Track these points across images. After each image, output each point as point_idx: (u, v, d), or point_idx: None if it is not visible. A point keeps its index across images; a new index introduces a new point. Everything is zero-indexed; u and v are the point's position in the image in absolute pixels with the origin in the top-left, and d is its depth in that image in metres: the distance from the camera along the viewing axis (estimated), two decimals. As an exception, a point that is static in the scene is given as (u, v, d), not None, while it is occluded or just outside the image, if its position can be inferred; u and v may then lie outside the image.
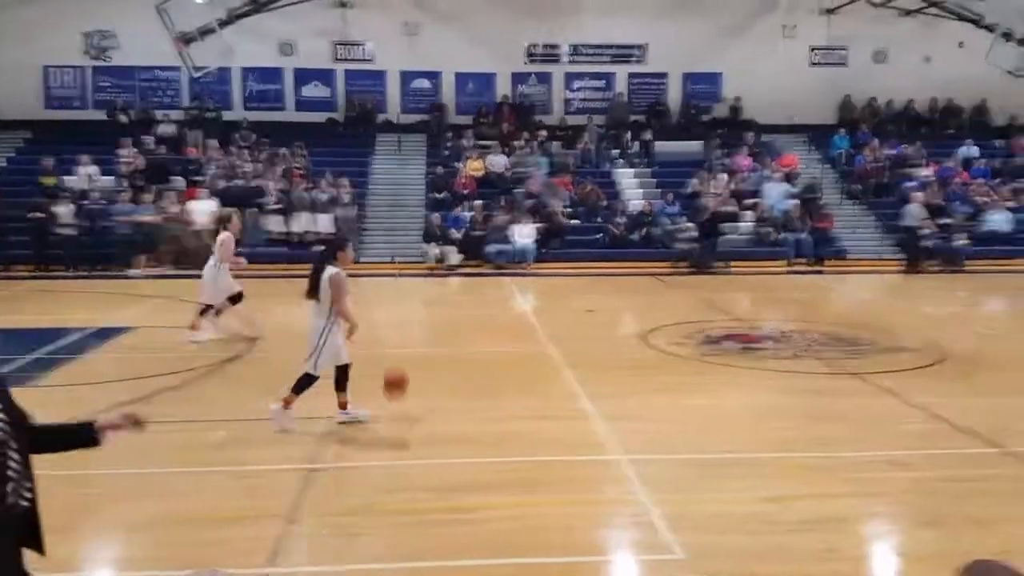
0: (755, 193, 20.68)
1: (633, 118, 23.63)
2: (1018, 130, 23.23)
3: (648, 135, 22.59)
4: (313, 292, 7.09)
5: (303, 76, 23.08)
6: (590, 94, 24.00)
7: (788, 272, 18.64)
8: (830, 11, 23.26)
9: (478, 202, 19.61)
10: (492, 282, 17.33)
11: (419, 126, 22.94)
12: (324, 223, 18.47)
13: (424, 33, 22.90)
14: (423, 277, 17.84)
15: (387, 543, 5.00)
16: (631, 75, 23.90)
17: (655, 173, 21.86)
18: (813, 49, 23.82)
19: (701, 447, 6.63)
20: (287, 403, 6.99)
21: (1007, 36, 19.91)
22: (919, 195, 19.77)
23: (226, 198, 18.25)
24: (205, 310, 10.61)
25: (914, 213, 19.08)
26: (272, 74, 23.00)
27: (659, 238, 19.41)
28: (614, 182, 21.63)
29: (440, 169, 21.02)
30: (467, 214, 19.43)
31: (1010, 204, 20.23)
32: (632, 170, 22.01)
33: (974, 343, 11.10)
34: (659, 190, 20.93)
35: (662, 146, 22.43)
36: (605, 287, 16.38)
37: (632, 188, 21.40)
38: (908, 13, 22.70)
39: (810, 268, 18.87)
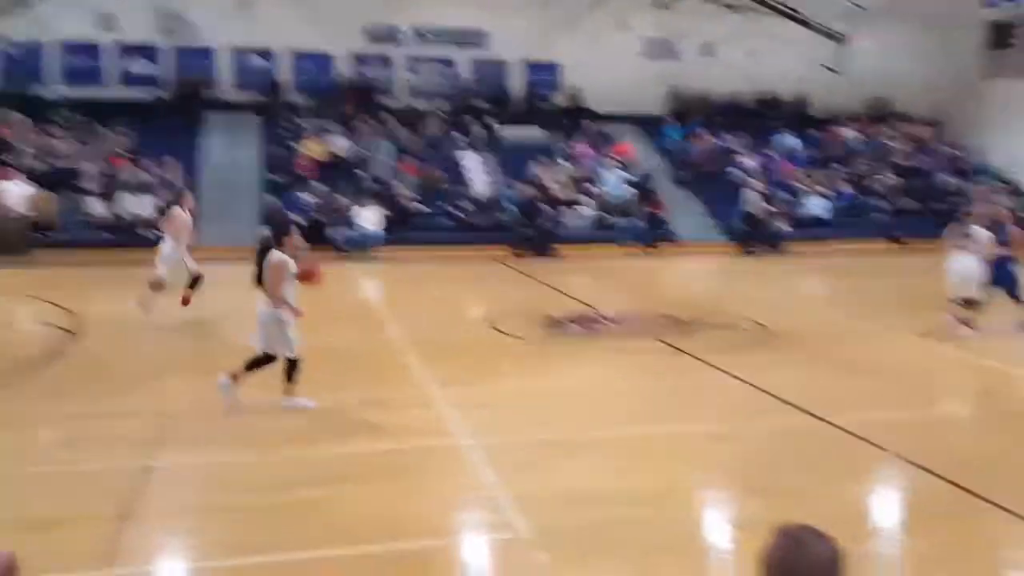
0: (594, 180, 21.31)
1: (476, 104, 23.75)
2: (833, 121, 25.04)
3: (492, 121, 22.77)
4: (260, 279, 7.05)
5: (126, 52, 21.74)
6: (433, 78, 23.91)
7: (625, 256, 19.33)
8: (661, 5, 24.17)
9: (319, 185, 19.15)
10: (336, 268, 16.99)
11: (254, 105, 22.12)
12: (148, 206, 17.51)
13: (258, 9, 22.06)
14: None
15: (230, 539, 4.86)
16: (474, 61, 24.00)
17: (500, 159, 22.08)
18: (645, 41, 24.71)
19: (545, 428, 6.81)
20: (288, 392, 7.11)
21: (823, 33, 21.36)
22: (756, 182, 20.98)
23: (41, 181, 16.98)
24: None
25: (752, 199, 20.26)
26: (92, 49, 21.52)
27: (504, 223, 19.64)
28: (459, 167, 21.69)
29: (277, 150, 20.39)
30: (309, 198, 18.95)
31: (824, 190, 21.79)
32: (478, 155, 22.14)
33: (794, 320, 11.91)
34: (504, 176, 21.16)
35: (506, 132, 22.69)
36: (452, 272, 16.45)
37: (478, 174, 21.52)
38: (733, 8, 23.93)
39: (646, 252, 19.65)
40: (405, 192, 19.60)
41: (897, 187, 22.42)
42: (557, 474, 5.84)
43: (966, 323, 10.58)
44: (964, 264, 10.60)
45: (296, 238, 7.58)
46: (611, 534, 4.94)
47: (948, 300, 10.77)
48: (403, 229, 19.13)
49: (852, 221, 21.31)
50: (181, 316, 10.70)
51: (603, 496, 5.47)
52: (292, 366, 7.13)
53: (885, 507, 5.77)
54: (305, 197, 18.89)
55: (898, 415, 7.33)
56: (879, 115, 25.86)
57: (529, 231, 19.15)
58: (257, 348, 7.09)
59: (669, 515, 5.22)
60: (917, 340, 10.46)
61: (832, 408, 7.33)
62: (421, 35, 23.61)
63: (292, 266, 7.08)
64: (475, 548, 5.08)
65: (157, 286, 10.65)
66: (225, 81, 22.30)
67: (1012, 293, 10.81)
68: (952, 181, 22.92)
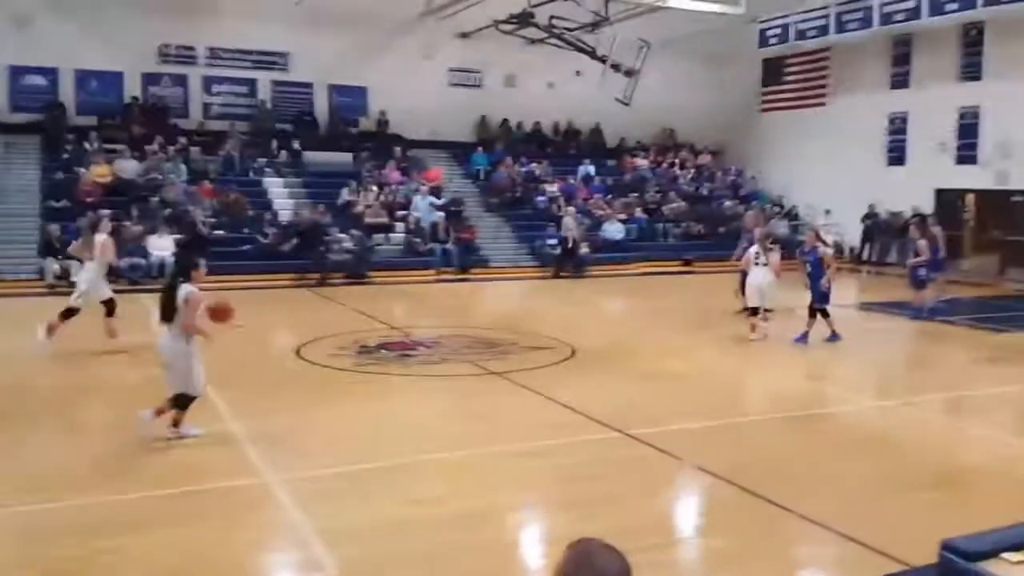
0: (405, 205, 21.32)
1: (279, 127, 23.14)
2: (626, 151, 26.48)
3: (296, 145, 22.25)
4: (168, 315, 6.91)
5: None
6: (232, 99, 23.06)
7: (437, 280, 19.42)
8: (465, 35, 24.68)
9: (106, 211, 17.91)
10: (125, 299, 15.89)
11: (32, 126, 20.42)
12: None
13: (38, 25, 20.46)
14: (40, 296, 15.85)
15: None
16: (275, 83, 23.40)
17: (305, 183, 21.60)
18: (451, 70, 25.12)
19: (353, 458, 6.65)
20: (176, 422, 6.91)
21: (615, 67, 22.54)
22: (572, 208, 21.76)
23: None
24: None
25: (569, 224, 20.99)
26: None
27: (312, 248, 19.17)
28: (263, 191, 21.02)
29: (59, 174, 18.91)
30: (95, 226, 17.67)
31: (621, 216, 22.94)
32: (282, 179, 21.55)
33: (600, 338, 12.40)
34: (310, 200, 20.71)
35: (312, 156, 22.24)
36: (255, 300, 15.80)
37: (282, 198, 20.94)
38: (533, 42, 24.78)
39: (457, 276, 19.84)
40: (201, 217, 18.71)
41: (685, 212, 23.97)
42: (367, 505, 5.71)
43: (754, 327, 11.97)
44: (757, 277, 11.98)
45: (203, 269, 7.51)
46: (423, 562, 4.88)
47: (746, 309, 12.23)
48: (200, 256, 18.21)
49: (646, 245, 22.56)
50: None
51: (415, 524, 5.41)
52: (189, 400, 6.98)
53: (683, 513, 6.09)
54: (90, 224, 17.60)
55: (693, 425, 7.77)
56: (667, 145, 27.65)
57: (341, 257, 18.77)
58: (172, 389, 6.93)
59: (483, 537, 5.23)
60: (709, 353, 11.17)
61: (634, 421, 7.66)
62: (219, 55, 22.75)
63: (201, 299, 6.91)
64: (283, 588, 4.87)
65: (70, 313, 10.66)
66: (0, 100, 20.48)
67: (820, 307, 11.77)
68: (732, 205, 24.78)
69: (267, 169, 21.67)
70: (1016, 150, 20.06)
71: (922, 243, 14.63)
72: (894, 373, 11.18)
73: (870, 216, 23.32)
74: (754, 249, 12.24)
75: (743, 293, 13.40)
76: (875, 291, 18.52)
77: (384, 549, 5.04)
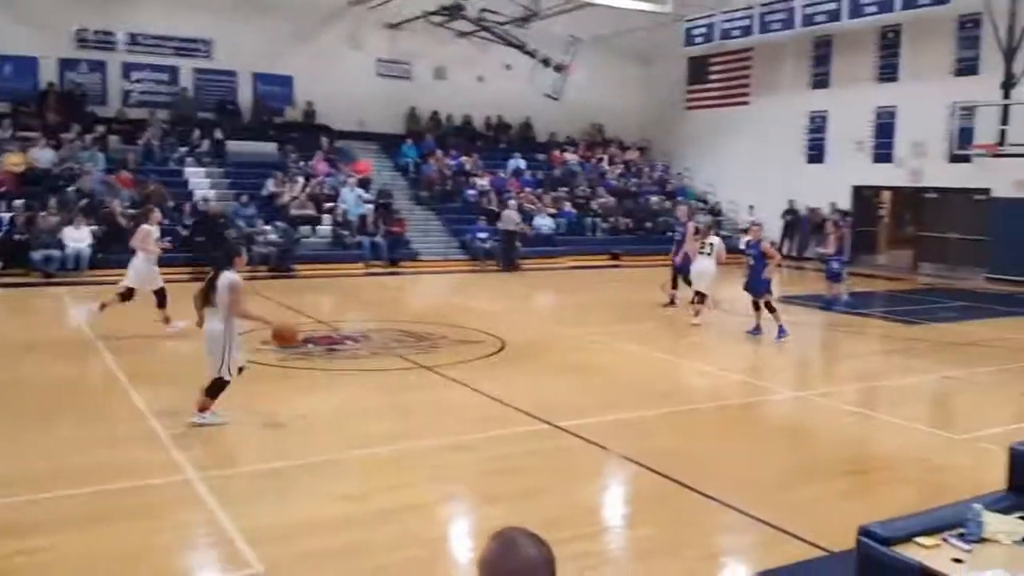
0: (332, 197, 21.04)
1: (202, 115, 22.58)
2: (556, 146, 26.64)
3: (219, 134, 21.74)
4: (208, 299, 7.19)
5: None
6: (152, 87, 22.41)
7: (366, 274, 19.23)
8: (394, 26, 24.46)
9: (19, 201, 17.24)
10: (40, 293, 15.39)
11: (-61, 113, 19.53)
12: None
13: (-56, 7, 19.56)
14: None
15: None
16: (197, 70, 22.82)
17: (228, 173, 21.13)
18: (379, 61, 24.87)
19: (278, 455, 6.55)
20: (203, 407, 7.13)
21: (545, 62, 22.66)
22: (514, 202, 21.79)
23: None
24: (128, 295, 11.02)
25: (511, 218, 21.04)
26: None
27: (235, 241, 18.78)
28: (184, 181, 20.49)
29: (-31, 164, 18.11)
30: (6, 215, 16.99)
31: (551, 210, 23.08)
32: (203, 169, 21.03)
33: (528, 332, 12.46)
34: (233, 191, 20.27)
35: (234, 146, 21.77)
36: (176, 294, 15.41)
37: (204, 189, 20.44)
38: (463, 35, 24.73)
39: (386, 270, 19.68)
40: (120, 208, 18.14)
41: (613, 207, 24.26)
42: (292, 502, 5.63)
43: (698, 312, 12.91)
44: (703, 265, 13.04)
45: (244, 257, 8.00)
46: (350, 558, 4.84)
47: (672, 303, 14.09)
48: (119, 248, 17.70)
49: (575, 239, 22.75)
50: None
51: (341, 520, 5.35)
52: (222, 385, 7.21)
53: (609, 503, 6.17)
54: (1, 214, 16.93)
55: (619, 416, 7.88)
56: (595, 140, 27.94)
57: (266, 249, 18.42)
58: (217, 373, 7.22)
59: (410, 532, 5.21)
60: (635, 345, 11.33)
61: (562, 413, 7.73)
62: (139, 41, 22.08)
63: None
64: (206, 588, 4.78)
65: (126, 296, 11.25)
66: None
67: (765, 299, 12.12)
68: (659, 201, 25.17)
69: (188, 159, 21.14)
70: (929, 149, 20.86)
71: (831, 237, 15.24)
72: (811, 365, 11.54)
73: (790, 212, 23.98)
74: (696, 238, 13.53)
75: (673, 286, 13.84)
76: (794, 285, 19.05)
77: (309, 546, 4.98)
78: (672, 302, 14.65)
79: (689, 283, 13.66)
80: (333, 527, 5.24)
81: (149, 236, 11.26)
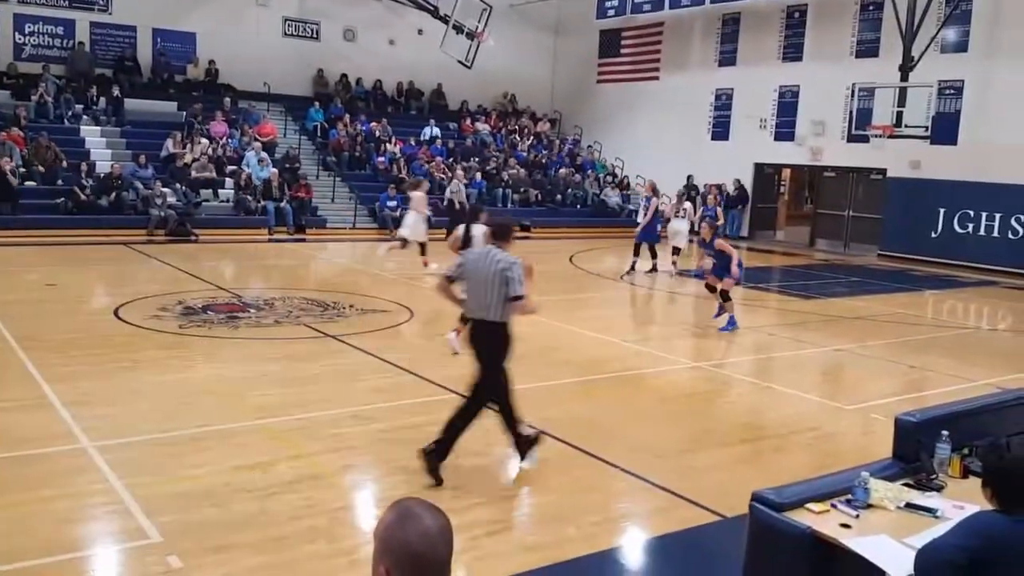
0: (235, 160, 20.41)
1: (99, 71, 21.53)
2: (468, 114, 26.44)
3: (117, 91, 20.77)
4: (466, 246, 8.84)
5: None
6: (46, 40, 21.23)
7: (270, 241, 18.78)
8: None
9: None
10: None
11: None
12: None
13: None
14: None
15: None
16: (94, 24, 21.70)
17: (125, 133, 20.25)
18: (286, 20, 24.13)
19: (175, 423, 6.35)
20: (459, 332, 8.38)
21: (457, 29, 22.39)
22: (461, 173, 21.58)
23: None
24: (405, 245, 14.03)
25: (457, 188, 21.06)
26: None
27: (132, 203, 18.07)
28: (80, 140, 19.54)
29: None
30: None
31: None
32: (99, 128, 20.10)
33: (437, 302, 12.36)
34: (130, 151, 19.45)
35: (133, 104, 20.85)
36: (69, 258, 14.79)
37: (100, 148, 19.55)
38: (374, -4, 24.25)
39: (291, 236, 19.26)
40: (10, 167, 17.19)
41: (523, 179, 24.28)
42: (190, 471, 5.48)
43: (674, 263, 15.76)
44: (678, 225, 16.16)
45: (486, 213, 9.76)
46: (248, 527, 4.75)
47: (654, 269, 15.74)
48: (8, 210, 16.81)
49: (486, 209, 22.64)
50: None
51: (239, 490, 5.24)
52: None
53: (513, 470, 6.21)
54: None
55: (528, 385, 7.90)
56: (507, 111, 27.86)
57: (164, 212, 17.76)
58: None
59: (311, 501, 5.14)
60: (543, 315, 11.39)
61: (467, 383, 7.71)
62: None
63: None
64: (104, 560, 4.60)
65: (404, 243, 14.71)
66: None
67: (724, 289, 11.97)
68: (568, 173, 25.32)
69: (84, 117, 20.17)
70: (829, 129, 21.57)
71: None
72: (710, 336, 11.83)
73: (689, 187, 24.47)
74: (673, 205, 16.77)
75: (635, 254, 15.82)
76: (699, 259, 19.45)
77: (208, 516, 4.86)
78: (632, 269, 15.87)
79: (655, 254, 15.74)
80: (233, 497, 5.13)
81: (424, 201, 14.91)
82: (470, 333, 5.87)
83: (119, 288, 12.25)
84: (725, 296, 11.45)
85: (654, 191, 16.11)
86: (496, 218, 7.11)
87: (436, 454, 5.50)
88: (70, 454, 5.72)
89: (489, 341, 5.69)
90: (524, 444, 5.81)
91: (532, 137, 26.95)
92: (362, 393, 7.44)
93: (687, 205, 16.68)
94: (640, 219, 15.97)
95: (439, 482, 5.42)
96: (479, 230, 8.84)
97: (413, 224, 14.84)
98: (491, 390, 5.73)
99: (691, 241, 15.59)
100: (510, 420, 5.79)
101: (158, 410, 6.73)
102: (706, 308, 13.51)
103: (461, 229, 9.71)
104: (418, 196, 15.06)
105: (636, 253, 15.78)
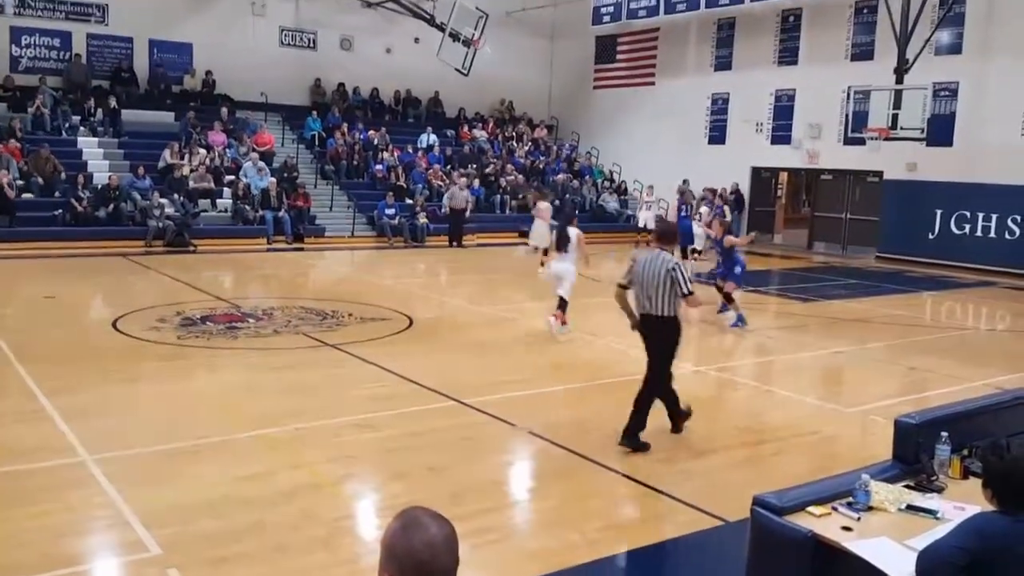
0: (233, 170, 20.43)
1: (96, 83, 21.55)
2: (465, 121, 26.47)
3: (114, 102, 20.79)
4: (563, 245, 10.34)
5: None
6: (43, 52, 21.25)
7: (268, 250, 18.78)
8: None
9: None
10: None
11: None
12: None
13: None
14: None
15: None
16: (91, 36, 21.73)
17: (123, 144, 20.26)
18: (283, 30, 24.17)
19: (173, 436, 6.34)
20: (559, 318, 10.32)
21: (454, 36, 22.42)
22: (463, 180, 21.75)
23: None
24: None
25: (458, 195, 21.02)
26: None
27: (130, 214, 18.08)
28: (77, 152, 19.56)
29: None
30: None
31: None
32: (96, 139, 20.12)
33: (436, 309, 12.41)
34: (128, 162, 19.46)
35: (130, 115, 20.87)
36: (68, 270, 14.78)
37: (97, 160, 19.56)
38: (370, 5, 24.27)
39: (290, 246, 19.26)
40: (8, 179, 17.19)
41: (521, 184, 24.29)
42: (190, 483, 5.47)
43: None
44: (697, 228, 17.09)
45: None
46: (249, 537, 4.73)
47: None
48: (6, 223, 16.81)
49: (484, 216, 22.69)
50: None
51: (241, 501, 5.22)
52: (566, 304, 10.36)
53: (515, 477, 6.21)
54: None
55: (527, 392, 7.94)
56: (504, 117, 27.89)
57: (162, 223, 17.76)
58: (564, 294, 10.34)
59: (311, 511, 5.13)
60: (542, 322, 11.40)
61: (470, 390, 7.74)
62: (29, 4, 20.87)
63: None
64: (103, 573, 4.59)
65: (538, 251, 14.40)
66: None
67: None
68: (566, 179, 25.34)
69: (81, 128, 20.19)
70: (825, 132, 21.60)
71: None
72: (710, 340, 11.83)
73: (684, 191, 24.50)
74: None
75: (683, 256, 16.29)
76: (697, 262, 19.46)
77: (208, 527, 4.84)
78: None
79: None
80: (232, 508, 5.11)
81: (549, 211, 15.52)
82: (644, 325, 6.56)
83: (117, 300, 12.25)
84: (728, 298, 11.52)
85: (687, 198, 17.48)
86: (661, 224, 8.22)
87: (629, 439, 6.36)
88: (68, 467, 5.71)
89: (660, 334, 6.47)
90: (681, 418, 6.78)
91: (530, 143, 26.98)
92: (362, 402, 7.42)
93: (704, 209, 17.29)
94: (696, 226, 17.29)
95: (647, 448, 6.35)
96: (573, 232, 10.29)
97: (540, 232, 15.30)
98: (666, 367, 6.53)
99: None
100: (672, 402, 6.71)
101: (157, 421, 6.72)
102: (707, 311, 13.50)
103: (554, 232, 11.33)
104: (543, 207, 15.84)
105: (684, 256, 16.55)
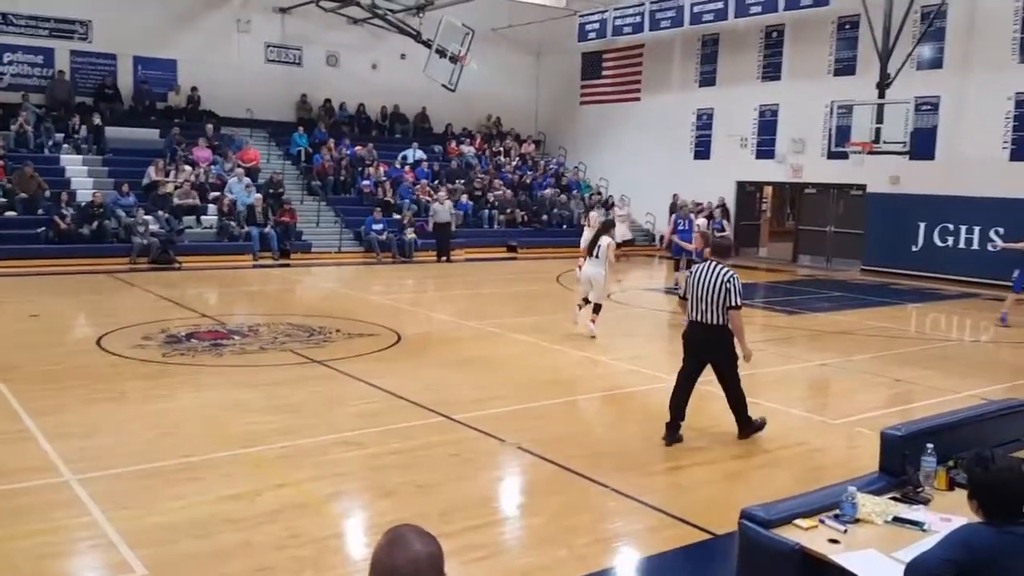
0: (218, 186, 20.39)
1: (79, 100, 21.50)
2: (453, 137, 26.54)
3: (97, 119, 20.73)
4: (594, 251, 11.25)
5: None
6: (26, 69, 21.19)
7: (254, 266, 18.72)
8: (283, 10, 23.85)
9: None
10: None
11: None
12: None
13: None
14: None
15: None
16: (74, 53, 21.69)
17: (107, 161, 20.19)
18: (268, 46, 24.20)
19: (159, 454, 6.29)
20: (595, 322, 11.28)
21: (440, 53, 22.49)
22: (442, 194, 21.75)
23: None
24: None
25: (443, 210, 21.03)
26: None
27: (114, 232, 17.99)
28: (60, 169, 19.47)
29: None
30: None
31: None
32: (80, 157, 20.04)
33: (424, 325, 12.39)
34: (112, 180, 19.39)
35: (114, 132, 20.81)
36: (51, 288, 14.67)
37: (81, 177, 19.48)
38: (356, 22, 24.32)
39: (276, 262, 19.20)
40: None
41: (509, 199, 24.36)
42: (175, 502, 5.42)
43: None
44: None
45: (616, 231, 12.98)
46: (235, 558, 4.69)
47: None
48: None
49: (472, 231, 22.73)
50: None
51: (227, 520, 5.18)
52: (599, 308, 11.41)
53: (503, 493, 6.19)
54: None
55: (515, 407, 7.93)
56: (492, 133, 27.98)
57: (147, 240, 17.68)
58: (595, 299, 11.33)
59: (297, 530, 5.09)
60: (531, 336, 11.41)
61: (458, 406, 7.72)
62: (11, 21, 20.83)
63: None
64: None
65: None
66: None
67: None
68: (554, 194, 25.41)
69: (64, 145, 20.12)
70: (809, 146, 21.77)
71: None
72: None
73: (675, 206, 24.64)
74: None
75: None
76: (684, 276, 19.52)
77: (193, 547, 4.80)
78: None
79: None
80: (218, 527, 5.07)
81: (597, 219, 15.04)
82: (687, 333, 6.99)
83: (102, 318, 12.17)
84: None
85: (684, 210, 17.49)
86: (718, 238, 8.79)
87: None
88: (52, 487, 5.65)
89: (711, 341, 6.85)
90: (750, 428, 7.12)
91: (517, 158, 27.06)
92: (349, 419, 7.39)
93: (701, 221, 17.16)
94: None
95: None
96: (605, 240, 11.23)
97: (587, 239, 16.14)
98: (733, 375, 6.98)
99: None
100: (742, 403, 7.06)
101: (141, 441, 6.67)
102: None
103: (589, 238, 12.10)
104: (594, 215, 16.12)
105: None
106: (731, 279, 6.65)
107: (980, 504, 2.96)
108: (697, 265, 7.10)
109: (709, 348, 6.87)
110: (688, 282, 6.92)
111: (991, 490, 2.91)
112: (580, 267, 12.87)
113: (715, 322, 6.72)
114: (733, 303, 6.62)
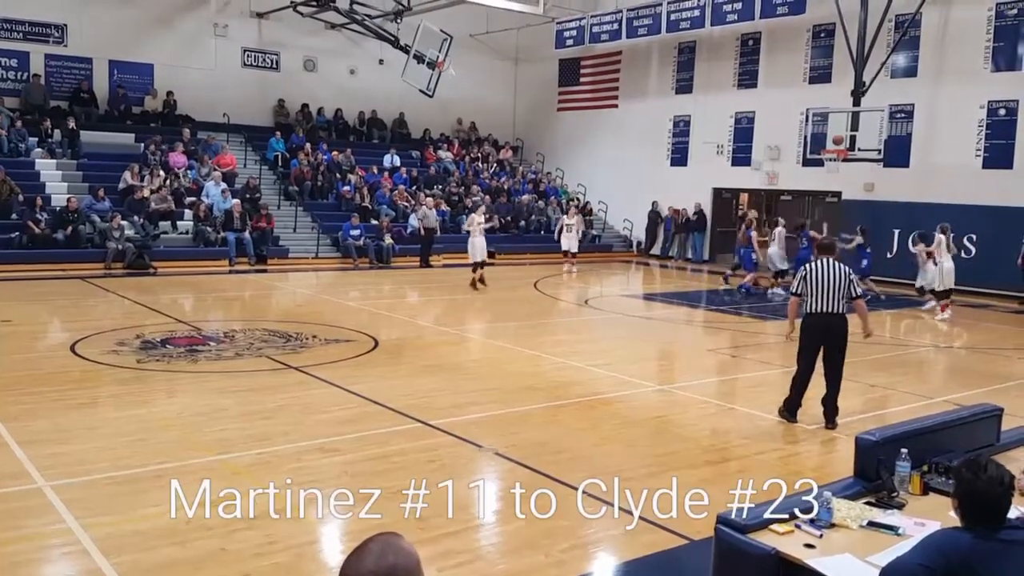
0: (194, 191, 20.24)
1: (54, 104, 21.28)
2: (430, 142, 26.51)
3: (72, 124, 20.52)
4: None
5: None
6: (0, 73, 20.96)
7: (231, 272, 18.59)
8: (261, 15, 23.74)
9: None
10: None
11: None
12: None
13: None
14: None
15: None
16: (49, 56, 21.47)
17: (82, 166, 19.99)
18: (245, 51, 24.07)
19: (133, 460, 6.22)
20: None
21: (418, 58, 22.48)
22: (430, 200, 21.72)
23: None
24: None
25: (429, 215, 21.02)
26: None
27: (89, 237, 17.81)
28: (35, 173, 19.25)
29: None
30: None
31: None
32: (55, 161, 19.82)
33: (401, 331, 12.35)
34: (87, 184, 19.19)
35: (89, 137, 20.61)
36: (24, 293, 14.49)
37: (55, 182, 19.27)
38: (334, 27, 24.26)
39: (252, 267, 19.08)
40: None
41: (486, 206, 24.31)
42: (149, 509, 5.36)
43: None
44: (771, 250, 17.94)
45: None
46: (211, 565, 4.65)
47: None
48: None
49: (449, 237, 22.66)
50: None
51: (201, 528, 5.12)
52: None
53: (481, 499, 6.17)
54: None
55: (492, 412, 7.92)
56: (469, 139, 27.98)
57: (122, 245, 17.52)
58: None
59: (274, 537, 5.05)
60: (508, 342, 11.41)
61: (435, 412, 7.70)
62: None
63: None
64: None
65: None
66: None
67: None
68: (532, 200, 25.45)
69: (38, 150, 19.90)
70: (784, 153, 21.95)
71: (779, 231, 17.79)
72: (673, 359, 11.92)
73: (654, 213, 24.81)
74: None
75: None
76: (660, 283, 19.63)
77: (168, 555, 4.75)
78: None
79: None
80: (193, 535, 5.02)
81: (782, 235, 17.22)
82: (813, 324, 7.68)
83: (76, 323, 12.04)
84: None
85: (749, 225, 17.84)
86: (825, 238, 9.18)
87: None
88: (25, 494, 5.58)
89: (834, 326, 7.62)
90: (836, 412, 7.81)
91: (495, 164, 27.07)
92: (326, 425, 7.35)
93: (777, 230, 18.07)
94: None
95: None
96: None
97: (779, 257, 17.67)
98: (842, 360, 7.75)
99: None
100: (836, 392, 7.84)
101: (116, 447, 6.59)
102: (670, 331, 13.61)
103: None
104: (779, 231, 17.92)
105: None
106: (851, 273, 7.64)
107: (962, 509, 2.96)
108: (811, 264, 7.75)
109: (832, 334, 7.63)
110: (809, 279, 7.60)
111: (976, 497, 2.91)
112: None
113: (839, 311, 7.58)
114: (856, 293, 7.68)
